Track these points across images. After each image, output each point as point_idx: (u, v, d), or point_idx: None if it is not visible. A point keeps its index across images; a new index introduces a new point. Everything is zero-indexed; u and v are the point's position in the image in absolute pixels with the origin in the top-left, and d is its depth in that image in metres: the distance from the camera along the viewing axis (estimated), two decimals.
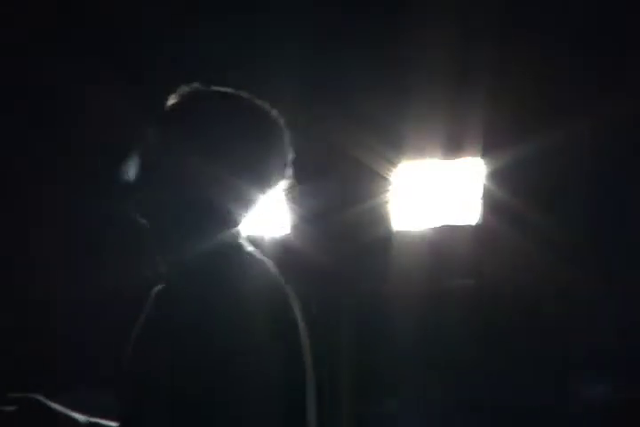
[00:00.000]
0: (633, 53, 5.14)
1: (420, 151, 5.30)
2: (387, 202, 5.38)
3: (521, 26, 5.16)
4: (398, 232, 5.41)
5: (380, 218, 5.40)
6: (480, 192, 5.34)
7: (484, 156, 5.30)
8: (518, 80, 5.11)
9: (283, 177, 1.82)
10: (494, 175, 5.30)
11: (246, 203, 1.79)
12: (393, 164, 5.32)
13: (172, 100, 1.77)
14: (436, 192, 5.37)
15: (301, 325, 1.74)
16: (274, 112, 1.80)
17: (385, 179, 5.34)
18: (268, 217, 5.31)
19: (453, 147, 5.28)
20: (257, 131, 1.76)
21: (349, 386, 5.55)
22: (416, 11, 5.09)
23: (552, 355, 5.46)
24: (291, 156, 1.81)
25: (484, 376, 5.50)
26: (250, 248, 1.80)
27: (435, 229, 5.39)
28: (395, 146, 5.30)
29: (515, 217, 5.27)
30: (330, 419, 5.53)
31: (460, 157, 5.32)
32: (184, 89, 1.78)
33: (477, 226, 5.36)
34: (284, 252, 5.35)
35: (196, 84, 1.79)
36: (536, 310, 5.49)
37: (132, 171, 1.77)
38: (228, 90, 1.79)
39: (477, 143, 5.25)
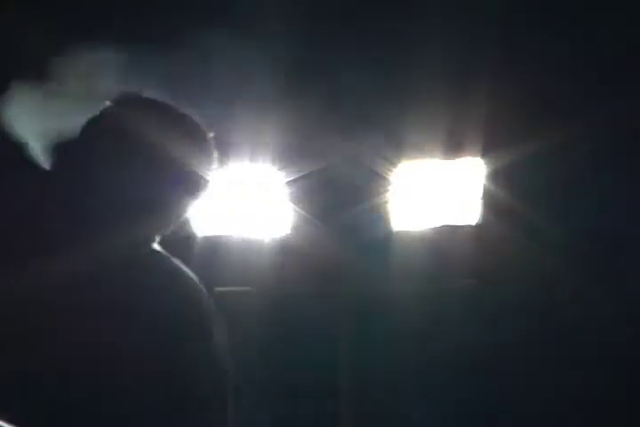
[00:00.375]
0: (633, 53, 5.14)
1: (419, 151, 5.30)
2: (387, 202, 5.38)
3: (521, 26, 5.15)
4: (398, 232, 5.41)
5: (380, 218, 5.40)
6: (480, 192, 5.34)
7: (483, 156, 5.30)
8: (518, 80, 5.11)
9: (207, 182, 1.89)
10: (494, 175, 5.30)
11: (169, 208, 1.84)
12: (393, 164, 5.32)
13: (107, 106, 1.83)
14: (435, 192, 5.37)
15: (216, 322, 1.79)
16: (199, 121, 1.88)
17: (385, 179, 5.34)
18: (268, 217, 5.33)
19: (453, 147, 5.28)
20: (183, 138, 1.83)
21: (349, 386, 5.55)
22: (416, 10, 5.09)
23: (553, 355, 5.45)
24: (215, 163, 1.86)
25: (484, 377, 5.49)
26: (159, 248, 1.85)
27: (435, 229, 5.39)
28: (395, 146, 5.30)
29: (515, 217, 5.27)
30: (330, 419, 5.53)
31: (460, 156, 5.32)
32: (120, 97, 1.85)
33: (477, 226, 5.36)
34: (285, 252, 5.35)
35: (131, 93, 1.86)
36: (537, 310, 5.48)
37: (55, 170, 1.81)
38: (160, 99, 1.87)
39: (477, 143, 5.25)
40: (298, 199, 5.29)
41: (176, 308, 1.77)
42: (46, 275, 1.73)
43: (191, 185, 1.86)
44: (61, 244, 1.80)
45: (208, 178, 1.89)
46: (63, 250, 1.79)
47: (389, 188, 5.37)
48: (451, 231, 5.38)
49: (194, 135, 1.89)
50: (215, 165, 1.91)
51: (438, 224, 5.40)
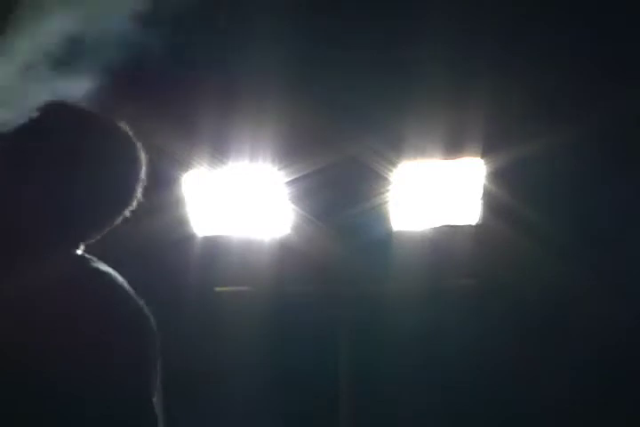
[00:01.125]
0: (634, 54, 5.14)
1: (420, 151, 5.30)
2: (387, 202, 5.38)
3: (522, 26, 5.16)
4: (398, 232, 5.41)
5: (380, 218, 5.40)
6: (480, 192, 5.34)
7: (483, 156, 5.30)
8: (518, 80, 5.12)
9: (136, 195, 1.90)
10: (494, 175, 5.31)
11: (98, 220, 1.84)
12: (393, 164, 5.32)
13: (36, 115, 1.82)
14: (436, 192, 5.37)
15: (148, 333, 1.79)
16: (129, 133, 1.89)
17: (385, 179, 5.34)
18: (268, 217, 5.33)
19: (453, 147, 5.28)
20: (113, 152, 1.85)
21: (349, 386, 5.56)
22: (417, 10, 5.09)
23: (553, 355, 5.46)
24: (143, 177, 1.89)
25: (484, 377, 5.50)
26: (90, 258, 1.85)
27: (435, 229, 5.39)
28: (395, 146, 5.30)
29: (515, 217, 5.27)
30: (330, 419, 5.53)
31: (460, 157, 5.32)
32: (49, 106, 1.84)
33: (477, 226, 5.36)
34: (285, 252, 5.35)
35: (60, 102, 1.86)
36: (536, 310, 5.49)
37: None
38: (90, 109, 1.86)
39: (477, 143, 5.25)
40: (298, 199, 5.30)
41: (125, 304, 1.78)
42: (28, 276, 1.73)
43: (119, 198, 1.86)
44: (44, 244, 1.80)
45: (135, 190, 1.88)
46: (46, 250, 1.79)
47: (389, 188, 5.37)
48: (451, 231, 5.38)
49: (122, 149, 1.88)
50: (143, 177, 1.90)
51: (438, 224, 5.40)
